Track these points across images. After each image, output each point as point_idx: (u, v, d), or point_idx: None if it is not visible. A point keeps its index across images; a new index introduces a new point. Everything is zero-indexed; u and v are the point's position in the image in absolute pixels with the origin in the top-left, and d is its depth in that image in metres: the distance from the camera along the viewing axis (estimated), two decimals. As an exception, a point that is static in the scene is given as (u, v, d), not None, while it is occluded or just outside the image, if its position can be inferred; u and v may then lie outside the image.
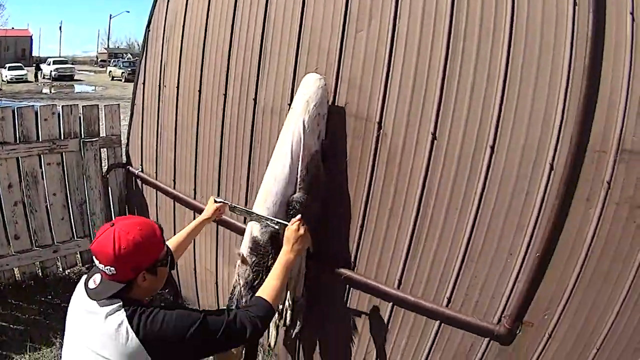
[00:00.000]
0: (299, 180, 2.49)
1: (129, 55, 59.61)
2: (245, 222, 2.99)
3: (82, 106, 4.33)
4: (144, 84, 4.16)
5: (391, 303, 2.63)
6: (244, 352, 2.86)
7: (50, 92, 28.64)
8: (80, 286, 1.88)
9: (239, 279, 2.69)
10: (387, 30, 2.39)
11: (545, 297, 2.15)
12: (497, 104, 2.10)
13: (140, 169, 4.37)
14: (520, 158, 2.09)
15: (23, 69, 36.58)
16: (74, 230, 4.52)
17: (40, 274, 4.49)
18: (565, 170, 1.98)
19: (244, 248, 2.67)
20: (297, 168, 2.47)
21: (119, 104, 4.67)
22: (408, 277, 2.52)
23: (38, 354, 3.55)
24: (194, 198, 3.70)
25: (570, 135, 1.95)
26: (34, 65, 36.31)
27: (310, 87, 2.49)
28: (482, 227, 2.23)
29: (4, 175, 4.01)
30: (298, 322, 2.99)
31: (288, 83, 2.86)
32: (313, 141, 2.50)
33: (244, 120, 3.18)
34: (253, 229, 2.60)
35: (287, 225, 2.33)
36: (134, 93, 4.34)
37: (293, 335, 3.06)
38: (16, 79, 32.83)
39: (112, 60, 52.90)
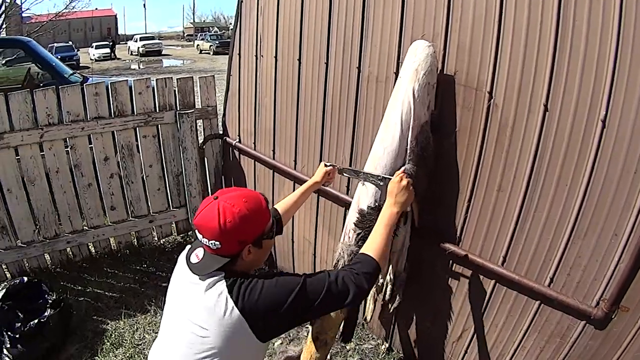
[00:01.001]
0: (408, 151, 2.53)
1: (216, 29, 61.57)
2: (347, 193, 3.12)
3: (177, 79, 4.55)
4: (239, 54, 4.32)
5: (494, 280, 2.67)
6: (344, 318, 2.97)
7: (139, 67, 30.01)
8: (182, 259, 2.00)
9: (342, 253, 2.79)
10: None
11: None
12: (609, 76, 2.03)
13: (237, 140, 4.56)
14: (630, 134, 2.02)
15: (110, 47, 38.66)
16: (169, 200, 4.86)
17: (135, 244, 4.85)
18: None
19: (350, 221, 2.77)
20: (407, 139, 2.52)
21: (213, 76, 4.87)
22: (513, 255, 2.55)
23: (133, 320, 3.81)
24: (294, 168, 3.84)
25: None
26: (110, 43, 37.91)
27: (419, 54, 2.50)
28: (590, 205, 2.20)
29: (99, 148, 4.33)
30: (398, 297, 3.05)
31: (393, 50, 2.88)
32: (423, 111, 2.53)
33: (347, 90, 3.24)
34: (360, 201, 2.70)
35: (390, 178, 2.41)
36: (230, 64, 4.50)
37: (391, 310, 3.13)
38: (104, 56, 34.82)
39: (199, 34, 55.00)
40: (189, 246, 2.04)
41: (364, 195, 2.67)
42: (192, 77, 4.69)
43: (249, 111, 4.33)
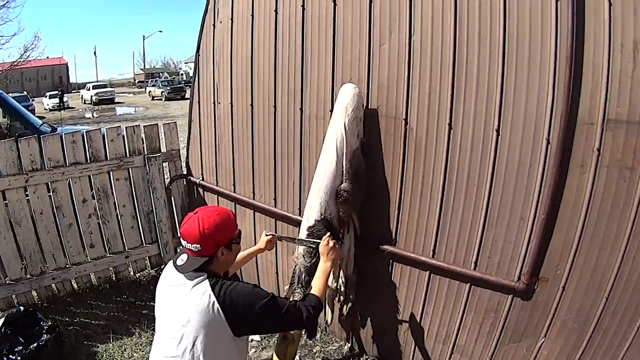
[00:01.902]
0: (344, 172, 3.03)
1: (166, 74, 60.62)
2: (299, 214, 3.58)
3: (144, 126, 4.92)
4: (199, 102, 4.78)
5: (428, 271, 3.15)
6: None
7: (93, 116, 29.64)
8: (167, 268, 2.44)
9: (299, 266, 3.21)
10: (404, 41, 2.94)
11: (555, 254, 2.59)
12: (498, 95, 2.61)
13: (201, 178, 4.96)
14: (521, 137, 2.58)
15: (64, 96, 37.41)
16: (142, 237, 5.11)
17: (114, 278, 5.07)
18: (559, 143, 2.43)
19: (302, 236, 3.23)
20: (342, 163, 3.03)
21: (175, 122, 5.27)
22: (440, 247, 3.05)
23: (120, 342, 4.05)
24: (253, 198, 4.27)
25: (561, 113, 2.40)
26: (59, 92, 36.35)
27: (347, 94, 3.06)
28: (496, 198, 2.73)
29: (78, 191, 4.61)
30: (351, 297, 3.52)
31: (328, 93, 3.43)
32: (353, 140, 3.06)
33: (293, 127, 3.75)
34: (309, 218, 3.15)
35: (319, 242, 2.88)
36: (190, 111, 4.95)
37: (346, 311, 3.58)
38: (57, 106, 33.61)
39: (150, 80, 53.49)
40: (170, 261, 2.45)
41: (312, 212, 3.13)
42: (158, 123, 5.08)
43: (210, 152, 4.76)
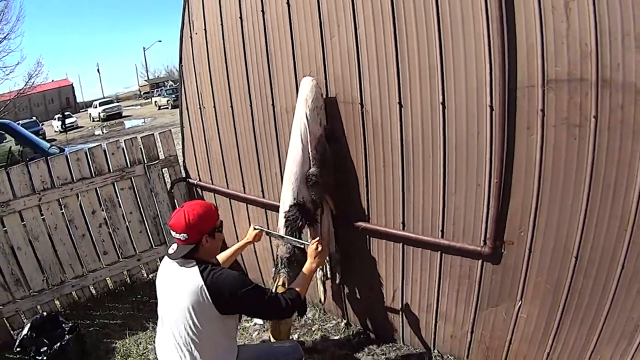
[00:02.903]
0: (311, 158, 3.25)
1: (170, 82, 59.90)
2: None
3: (141, 137, 5.18)
4: (187, 109, 5.03)
5: (401, 243, 3.34)
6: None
7: (103, 132, 29.99)
8: (163, 261, 2.82)
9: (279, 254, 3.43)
10: (352, 32, 3.13)
11: (516, 216, 2.68)
12: (439, 71, 2.76)
13: (198, 179, 5.22)
14: (465, 107, 2.70)
15: (72, 117, 38.23)
16: (151, 240, 5.37)
17: (128, 281, 5.35)
18: (501, 108, 2.52)
19: (281, 223, 3.44)
20: (308, 150, 3.25)
21: (170, 130, 5.53)
22: (408, 219, 3.23)
23: (136, 337, 4.35)
24: (244, 192, 4.51)
25: (499, 79, 2.49)
26: (60, 115, 35.27)
27: (306, 87, 3.29)
28: (451, 167, 2.88)
29: (87, 204, 4.91)
30: (337, 274, 3.76)
31: (293, 86, 3.64)
32: (316, 128, 3.28)
33: (268, 122, 3.99)
34: (284, 204, 3.38)
35: (308, 244, 3.11)
36: (181, 118, 5.19)
37: (335, 286, 3.84)
38: (68, 127, 33.26)
39: (155, 90, 53.37)
40: (164, 258, 2.82)
41: (286, 198, 3.36)
42: (153, 133, 5.35)
43: (202, 153, 5.01)
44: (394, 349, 3.69)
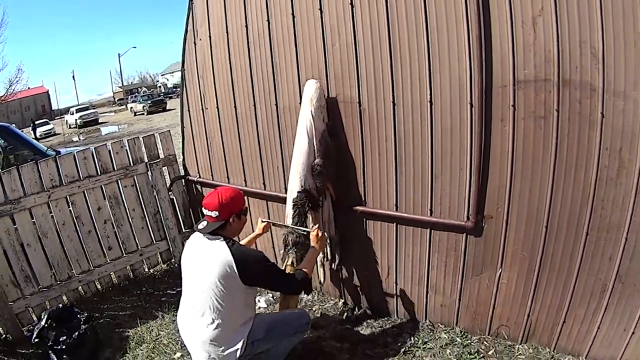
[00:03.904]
0: (316, 151, 3.68)
1: (144, 89, 59.44)
2: (286, 192, 4.11)
3: (143, 137, 5.45)
4: (189, 110, 5.36)
5: (395, 223, 3.77)
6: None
7: (80, 139, 29.67)
8: (190, 239, 3.20)
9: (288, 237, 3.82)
10: (351, 41, 3.58)
11: (493, 194, 3.21)
12: (427, 74, 3.25)
13: (198, 176, 5.53)
14: (449, 104, 3.21)
15: (49, 124, 37.68)
16: (152, 236, 5.59)
17: (131, 275, 5.53)
18: (480, 105, 3.06)
19: (289, 208, 3.84)
20: (313, 143, 3.68)
21: (169, 131, 5.82)
22: (400, 201, 3.67)
23: (147, 325, 4.52)
24: (245, 186, 4.85)
25: (477, 81, 3.03)
26: (31, 124, 33.56)
27: (311, 89, 3.74)
28: (437, 155, 3.36)
29: (93, 200, 5.08)
30: (336, 255, 4.16)
31: (296, 88, 4.05)
32: (320, 124, 3.72)
33: (271, 120, 4.37)
34: (292, 191, 3.78)
35: (309, 231, 3.56)
36: (182, 118, 5.51)
37: (336, 267, 4.22)
38: (45, 134, 33.72)
39: (130, 96, 52.73)
40: (192, 235, 3.21)
41: (294, 186, 3.77)
42: (154, 134, 5.61)
43: (203, 152, 5.34)
44: (389, 321, 4.07)
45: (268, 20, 4.11)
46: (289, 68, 4.09)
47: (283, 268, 3.63)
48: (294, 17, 3.90)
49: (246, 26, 4.32)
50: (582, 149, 2.82)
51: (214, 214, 3.01)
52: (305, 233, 3.65)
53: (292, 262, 3.65)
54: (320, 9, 3.70)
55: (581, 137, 2.80)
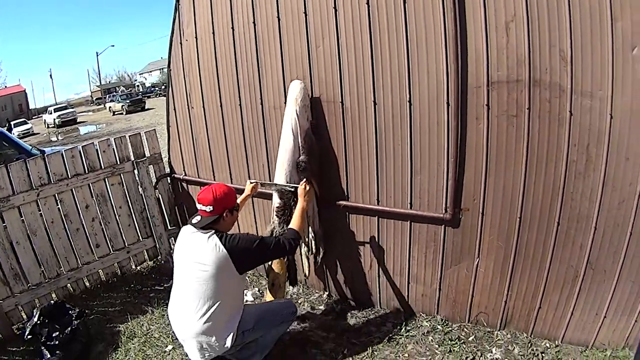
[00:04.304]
0: (300, 148, 3.83)
1: (122, 88, 58.57)
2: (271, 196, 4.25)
3: (129, 136, 5.48)
4: (174, 109, 5.43)
5: (377, 216, 3.92)
6: (287, 276, 4.15)
7: (58, 139, 29.26)
8: (181, 233, 3.31)
9: (274, 224, 4.02)
10: (335, 42, 3.72)
11: (470, 187, 3.39)
12: (406, 75, 3.42)
13: (183, 174, 5.60)
14: (427, 104, 3.38)
15: (27, 123, 37.05)
16: (139, 233, 5.63)
17: (119, 272, 5.54)
18: (456, 104, 3.24)
19: (275, 200, 4.01)
20: (298, 141, 3.82)
21: (155, 130, 5.87)
22: (382, 195, 3.82)
23: (138, 320, 4.61)
24: (231, 182, 4.95)
25: (454, 81, 3.21)
26: (6, 125, 33.63)
27: (295, 88, 3.87)
28: (416, 151, 3.53)
29: (81, 198, 5.08)
30: (320, 249, 4.28)
31: (281, 87, 4.17)
32: (305, 123, 3.86)
33: (257, 118, 4.48)
34: (274, 200, 3.97)
35: (298, 186, 3.71)
36: (168, 117, 5.57)
37: (319, 261, 4.33)
38: (23, 134, 33.23)
39: (108, 95, 51.88)
40: (183, 229, 3.32)
41: (279, 181, 3.93)
42: (140, 132, 5.66)
43: (189, 149, 5.42)
44: (372, 312, 4.23)
45: (254, 22, 4.23)
46: (274, 68, 4.21)
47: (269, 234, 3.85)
48: (279, 19, 4.02)
49: (232, 28, 4.41)
50: (552, 145, 3.02)
51: (209, 208, 3.14)
52: (293, 189, 3.82)
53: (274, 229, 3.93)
54: (305, 12, 3.83)
55: (551, 134, 3.00)
